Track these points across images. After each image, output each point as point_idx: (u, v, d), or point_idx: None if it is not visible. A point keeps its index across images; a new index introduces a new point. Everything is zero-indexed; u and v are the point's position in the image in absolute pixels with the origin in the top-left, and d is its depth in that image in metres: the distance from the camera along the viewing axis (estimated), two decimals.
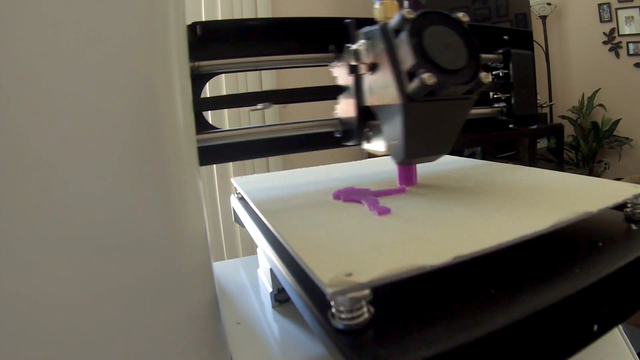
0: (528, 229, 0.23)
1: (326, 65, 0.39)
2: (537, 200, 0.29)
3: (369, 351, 0.17)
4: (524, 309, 0.20)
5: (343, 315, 0.19)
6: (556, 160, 2.09)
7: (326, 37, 0.39)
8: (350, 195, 0.33)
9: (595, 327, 0.23)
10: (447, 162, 0.46)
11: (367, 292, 0.19)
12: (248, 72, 1.39)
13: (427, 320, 0.19)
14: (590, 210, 0.26)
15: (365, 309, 0.19)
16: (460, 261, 0.20)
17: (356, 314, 0.19)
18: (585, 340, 0.23)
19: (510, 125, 0.46)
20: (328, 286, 0.18)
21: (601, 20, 2.11)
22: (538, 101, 1.73)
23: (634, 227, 0.29)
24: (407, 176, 0.36)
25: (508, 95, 0.45)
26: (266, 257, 0.31)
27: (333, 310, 0.19)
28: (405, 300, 0.22)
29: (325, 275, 0.19)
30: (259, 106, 0.38)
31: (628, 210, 0.30)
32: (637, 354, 0.32)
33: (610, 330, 0.24)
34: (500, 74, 0.46)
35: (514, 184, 0.35)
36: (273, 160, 1.50)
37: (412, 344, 0.18)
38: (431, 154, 0.32)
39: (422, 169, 0.39)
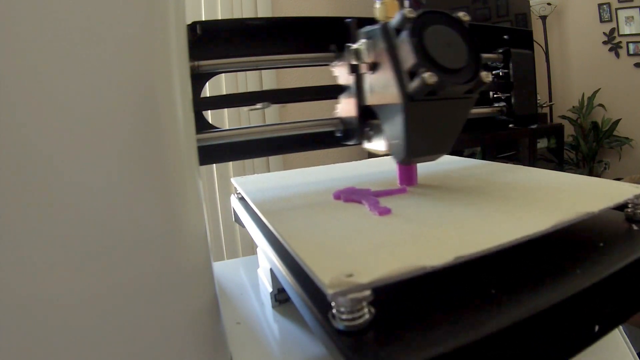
0: (529, 229, 0.23)
1: (326, 65, 0.39)
2: (537, 200, 0.29)
3: (370, 352, 0.17)
4: (524, 310, 0.20)
5: (344, 316, 0.19)
6: (556, 160, 2.09)
7: (326, 36, 0.39)
8: (350, 195, 0.33)
9: (597, 327, 0.23)
10: (448, 162, 0.46)
11: (368, 292, 0.18)
12: (248, 72, 1.39)
13: (428, 321, 0.19)
14: (591, 210, 0.26)
15: (366, 310, 0.19)
16: (461, 262, 0.20)
17: (357, 315, 0.18)
18: (587, 341, 0.23)
19: (510, 125, 0.46)
20: (329, 287, 0.18)
21: (601, 20, 2.11)
22: (538, 101, 1.73)
23: (635, 227, 0.29)
24: (408, 176, 0.36)
25: (508, 94, 0.45)
26: (266, 257, 0.31)
27: (334, 311, 0.19)
28: (406, 301, 0.22)
29: (326, 275, 0.19)
30: (258, 105, 0.38)
31: (629, 210, 0.30)
32: (637, 354, 0.32)
33: (612, 330, 0.24)
34: (500, 74, 0.45)
35: (514, 184, 0.34)
36: (273, 160, 1.50)
37: (413, 344, 0.18)
38: (432, 153, 0.32)
39: (423, 169, 0.39)
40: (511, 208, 0.28)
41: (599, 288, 0.23)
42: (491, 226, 0.24)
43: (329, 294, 0.18)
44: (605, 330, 0.23)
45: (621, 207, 0.30)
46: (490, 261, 0.23)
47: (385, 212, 0.28)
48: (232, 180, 0.46)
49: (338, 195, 0.33)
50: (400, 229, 0.25)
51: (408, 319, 0.20)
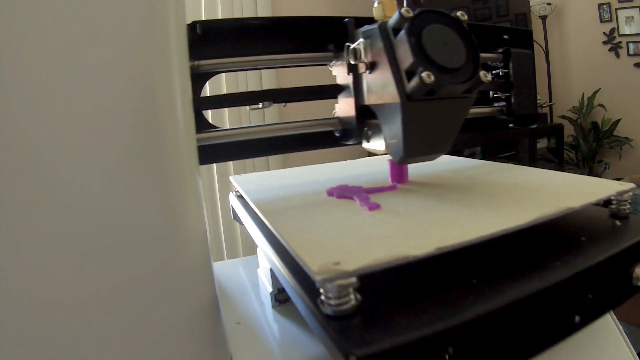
0: (510, 223, 0.24)
1: (325, 64, 0.39)
2: (523, 196, 0.30)
3: (356, 335, 0.18)
4: (502, 298, 0.21)
5: (331, 302, 0.20)
6: (556, 160, 2.09)
7: (326, 36, 0.39)
8: (342, 192, 0.33)
9: (577, 318, 0.24)
10: (443, 162, 0.46)
11: (353, 279, 0.20)
12: (248, 71, 1.39)
13: (411, 307, 0.20)
14: (572, 206, 0.26)
15: (352, 296, 0.20)
16: (443, 252, 0.21)
17: (344, 301, 0.20)
18: (567, 331, 0.24)
19: (510, 125, 0.46)
20: (317, 274, 0.19)
21: (601, 20, 2.11)
22: (538, 101, 1.73)
23: (618, 223, 0.30)
24: (399, 174, 0.37)
25: (508, 94, 0.45)
26: (266, 257, 0.31)
27: (322, 297, 0.20)
28: (391, 289, 0.23)
29: (314, 264, 0.20)
30: (261, 105, 0.39)
31: (613, 207, 0.31)
32: (637, 354, 0.32)
33: (592, 322, 0.25)
34: (500, 73, 0.45)
35: (504, 182, 0.35)
36: (273, 159, 1.50)
37: (396, 328, 0.19)
38: (430, 152, 0.32)
39: (416, 168, 0.39)
40: (497, 204, 0.28)
41: (578, 280, 0.23)
42: (475, 220, 0.25)
43: (317, 281, 0.19)
44: (585, 321, 0.24)
45: (608, 203, 0.31)
46: (474, 253, 0.23)
47: (374, 207, 0.29)
48: (231, 178, 0.46)
49: (331, 192, 0.34)
50: (387, 223, 0.26)
51: (393, 305, 0.21)
